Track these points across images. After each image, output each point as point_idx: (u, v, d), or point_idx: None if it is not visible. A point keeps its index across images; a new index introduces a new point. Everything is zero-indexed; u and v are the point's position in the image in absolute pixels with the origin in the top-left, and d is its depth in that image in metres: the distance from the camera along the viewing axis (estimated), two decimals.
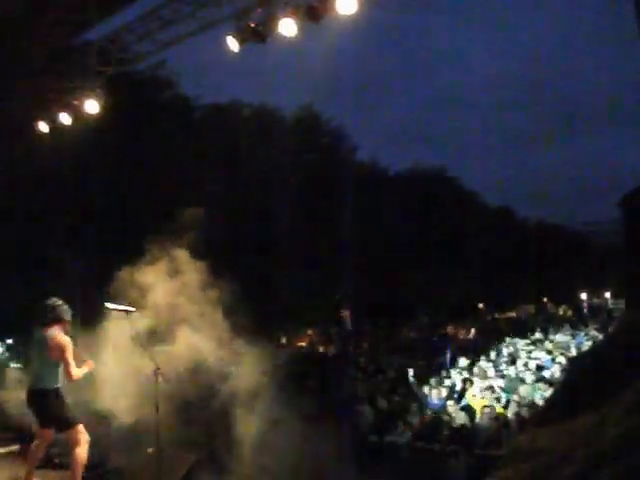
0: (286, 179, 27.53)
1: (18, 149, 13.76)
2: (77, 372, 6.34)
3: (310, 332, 27.36)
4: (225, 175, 25.28)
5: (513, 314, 44.70)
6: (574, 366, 3.26)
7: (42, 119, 12.22)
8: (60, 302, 6.61)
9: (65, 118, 11.92)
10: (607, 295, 50.46)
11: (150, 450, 7.34)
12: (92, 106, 11.67)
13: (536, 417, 3.13)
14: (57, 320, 6.46)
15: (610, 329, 16.66)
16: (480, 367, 15.43)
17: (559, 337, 22.59)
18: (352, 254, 30.30)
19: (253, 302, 24.52)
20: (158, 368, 6.47)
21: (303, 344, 24.59)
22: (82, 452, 6.35)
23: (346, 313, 29.05)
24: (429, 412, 11.07)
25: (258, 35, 9.38)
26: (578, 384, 3.00)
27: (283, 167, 27.56)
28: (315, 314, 27.99)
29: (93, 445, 6.65)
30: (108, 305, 6.75)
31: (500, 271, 41.93)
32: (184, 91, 26.92)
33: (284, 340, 25.10)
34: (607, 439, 2.47)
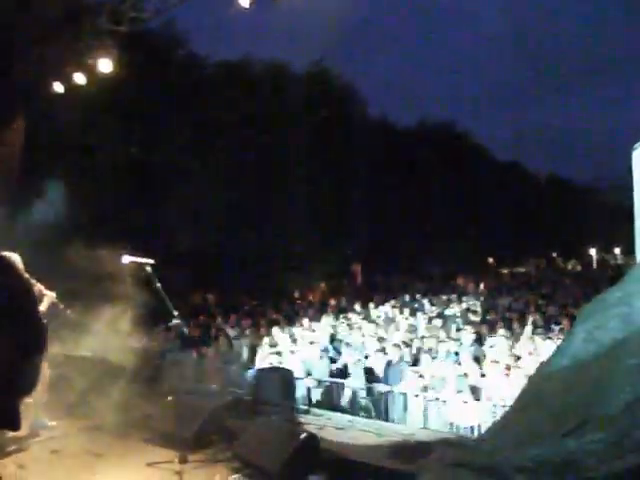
0: (297, 133, 27.56)
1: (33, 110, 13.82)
2: None
3: (322, 285, 27.59)
4: (237, 131, 25.33)
5: (522, 269, 44.87)
6: (586, 313, 3.32)
7: (57, 79, 12.32)
8: None
9: (80, 78, 12.03)
10: (617, 251, 50.40)
11: (170, 398, 7.70)
12: (106, 65, 11.76)
13: (548, 362, 3.24)
14: None
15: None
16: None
17: None
18: (363, 208, 30.44)
19: (267, 255, 24.75)
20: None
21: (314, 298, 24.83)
22: None
23: (357, 266, 29.36)
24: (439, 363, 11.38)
25: None
26: (591, 330, 3.07)
27: (294, 122, 27.56)
28: (327, 267, 28.27)
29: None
30: (125, 257, 6.84)
31: (510, 225, 42.01)
32: (195, 49, 26.87)
33: (297, 293, 25.31)
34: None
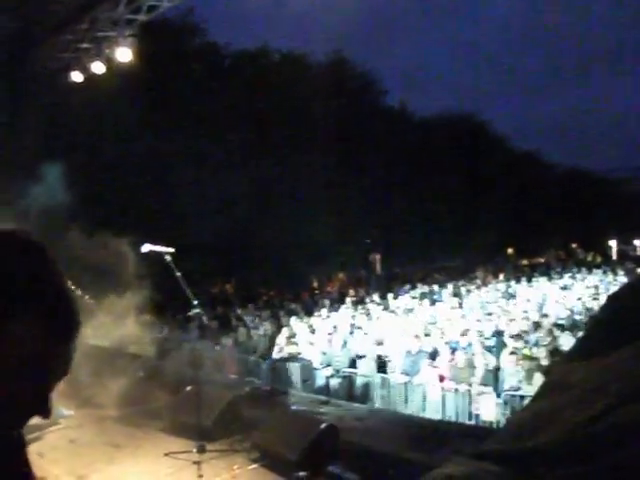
0: (316, 123, 27.42)
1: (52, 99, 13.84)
2: None
3: (341, 275, 27.50)
4: (256, 120, 25.25)
5: (542, 260, 44.47)
6: (611, 302, 3.23)
7: (75, 68, 12.32)
8: None
9: (98, 67, 12.01)
10: (636, 242, 49.91)
11: (188, 388, 7.68)
12: (124, 54, 11.73)
13: (569, 352, 3.13)
14: None
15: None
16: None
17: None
18: (382, 198, 30.27)
19: (286, 246, 24.66)
20: None
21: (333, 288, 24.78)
22: None
23: (376, 257, 29.20)
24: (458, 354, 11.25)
25: None
26: (614, 319, 2.98)
27: (312, 112, 27.42)
28: (346, 258, 28.15)
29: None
30: (145, 246, 6.74)
31: (529, 216, 41.63)
32: (213, 38, 26.81)
33: (315, 284, 25.28)
34: None
